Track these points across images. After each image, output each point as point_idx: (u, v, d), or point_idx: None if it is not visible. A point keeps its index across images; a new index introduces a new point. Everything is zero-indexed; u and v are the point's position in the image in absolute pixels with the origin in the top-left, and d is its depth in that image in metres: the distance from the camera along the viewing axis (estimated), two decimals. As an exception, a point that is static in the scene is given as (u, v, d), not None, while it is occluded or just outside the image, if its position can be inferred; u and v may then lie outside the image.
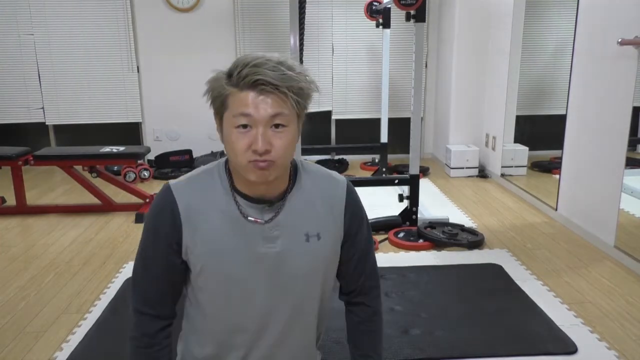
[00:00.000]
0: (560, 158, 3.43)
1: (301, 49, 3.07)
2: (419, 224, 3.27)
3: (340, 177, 1.17)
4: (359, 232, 1.18)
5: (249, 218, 1.07)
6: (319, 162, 5.09)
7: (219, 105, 1.01)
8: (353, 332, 1.26)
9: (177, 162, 5.06)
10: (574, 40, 3.24)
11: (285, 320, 1.12)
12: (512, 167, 4.38)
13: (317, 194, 1.12)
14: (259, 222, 1.07)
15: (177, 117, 5.20)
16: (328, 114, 5.44)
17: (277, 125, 0.98)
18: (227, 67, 1.01)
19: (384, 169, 4.64)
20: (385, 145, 4.58)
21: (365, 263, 1.21)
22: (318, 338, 1.26)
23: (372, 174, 4.83)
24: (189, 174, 1.12)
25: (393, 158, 5.28)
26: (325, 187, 1.13)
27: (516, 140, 4.36)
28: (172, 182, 1.10)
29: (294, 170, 1.12)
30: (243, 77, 0.96)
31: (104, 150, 3.80)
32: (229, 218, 1.07)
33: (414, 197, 3.27)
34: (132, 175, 4.64)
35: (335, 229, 1.13)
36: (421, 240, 3.06)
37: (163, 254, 1.09)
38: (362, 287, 1.23)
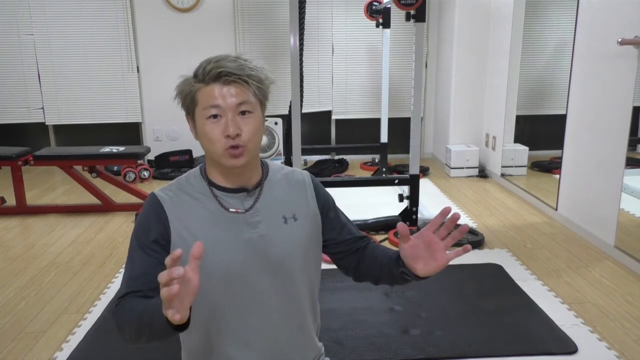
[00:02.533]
0: (560, 158, 3.44)
1: (301, 49, 3.07)
2: (419, 224, 3.27)
3: (302, 170, 1.31)
4: (335, 208, 1.31)
5: (230, 210, 1.15)
6: (319, 162, 5.11)
7: (190, 102, 1.12)
8: (375, 259, 1.26)
9: (177, 162, 5.07)
10: (574, 40, 3.24)
11: (279, 305, 1.18)
12: (512, 167, 4.38)
13: (286, 182, 1.24)
14: (240, 212, 1.16)
15: (177, 117, 5.17)
16: (328, 114, 5.44)
17: (243, 112, 1.09)
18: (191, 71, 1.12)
19: (384, 169, 4.64)
20: (385, 145, 4.58)
21: (354, 228, 1.33)
22: (316, 328, 1.31)
23: (372, 174, 4.82)
24: (170, 182, 1.21)
25: (393, 158, 5.28)
26: (292, 176, 1.26)
27: (516, 140, 4.36)
28: (155, 190, 1.19)
29: (264, 165, 1.24)
30: (208, 72, 1.07)
31: (104, 150, 3.81)
32: (210, 212, 1.15)
33: (414, 197, 3.27)
34: (132, 175, 4.64)
35: (309, 210, 1.23)
36: (421, 240, 3.06)
37: (149, 250, 1.12)
38: (364, 244, 1.31)
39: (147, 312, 0.98)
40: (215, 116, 1.07)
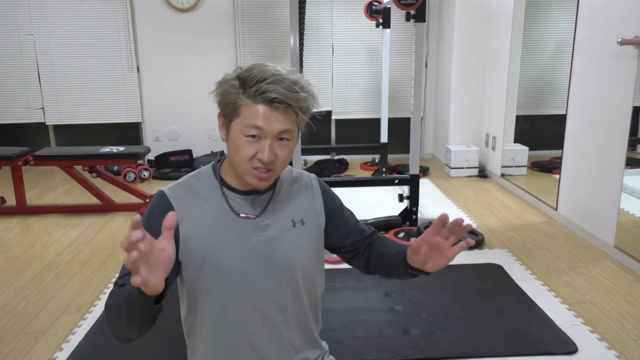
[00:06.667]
0: (560, 158, 3.43)
1: (301, 49, 3.07)
2: (419, 224, 3.27)
3: (309, 173, 1.30)
4: (342, 209, 1.31)
5: (241, 215, 1.15)
6: (319, 162, 5.10)
7: (231, 111, 1.07)
8: (381, 256, 1.28)
9: (177, 162, 5.06)
10: (574, 40, 3.24)
11: (285, 307, 1.18)
12: (512, 167, 4.38)
13: (295, 186, 1.24)
14: (251, 218, 1.15)
15: (177, 117, 5.20)
16: (328, 114, 5.44)
17: (282, 139, 1.07)
18: (237, 72, 1.07)
19: (384, 169, 4.63)
20: (385, 145, 4.58)
21: (362, 226, 1.34)
22: (318, 329, 1.31)
23: (372, 174, 4.82)
24: (178, 180, 1.20)
25: (393, 158, 5.28)
26: (300, 179, 1.26)
27: (516, 140, 4.36)
28: (164, 188, 1.18)
29: None
30: (261, 92, 1.02)
31: (104, 150, 3.81)
32: (220, 214, 1.14)
33: (414, 197, 3.27)
34: (132, 175, 4.64)
35: (316, 214, 1.24)
36: (421, 240, 3.06)
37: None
38: (372, 240, 1.33)
39: (125, 290, 0.97)
40: (253, 136, 1.05)
